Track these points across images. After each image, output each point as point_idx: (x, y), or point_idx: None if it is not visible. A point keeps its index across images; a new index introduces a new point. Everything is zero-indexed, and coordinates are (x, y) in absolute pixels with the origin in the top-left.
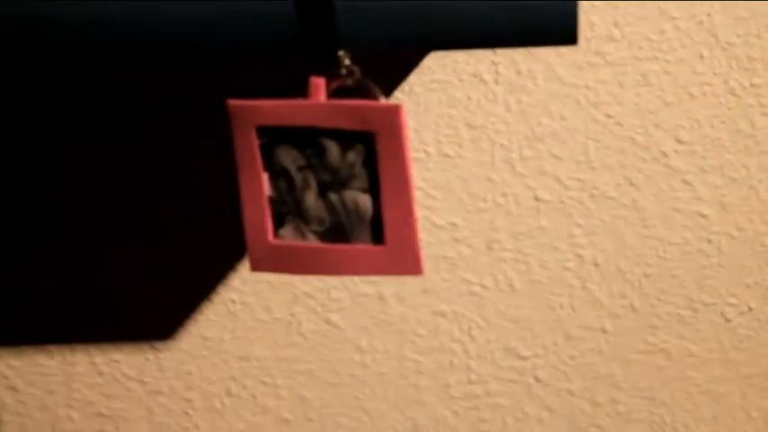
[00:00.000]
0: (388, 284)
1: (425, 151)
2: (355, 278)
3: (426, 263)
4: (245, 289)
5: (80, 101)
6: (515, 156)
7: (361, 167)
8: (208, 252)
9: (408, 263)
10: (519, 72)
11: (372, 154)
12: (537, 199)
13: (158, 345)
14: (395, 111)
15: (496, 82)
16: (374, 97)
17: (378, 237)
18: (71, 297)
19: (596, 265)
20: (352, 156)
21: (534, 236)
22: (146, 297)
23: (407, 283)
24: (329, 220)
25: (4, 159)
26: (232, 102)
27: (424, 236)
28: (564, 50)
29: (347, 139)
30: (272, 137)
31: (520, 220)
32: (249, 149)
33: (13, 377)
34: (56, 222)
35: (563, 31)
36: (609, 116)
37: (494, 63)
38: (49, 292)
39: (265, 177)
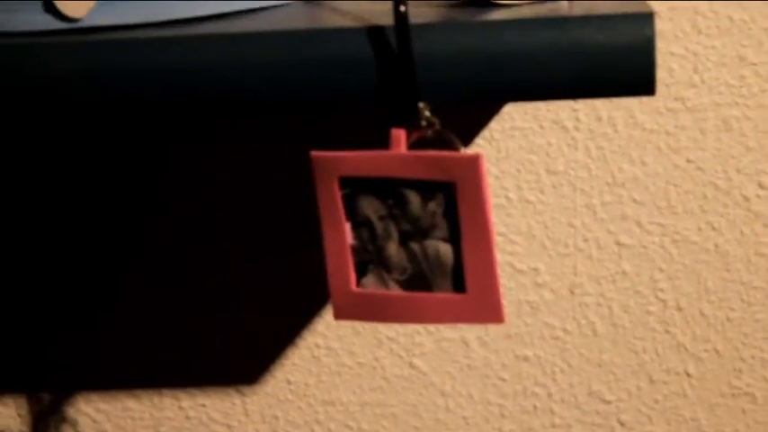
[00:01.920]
0: (471, 329)
1: (507, 197)
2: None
3: (509, 307)
4: (329, 334)
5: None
6: (596, 201)
7: (441, 217)
8: (293, 297)
9: (490, 311)
10: (599, 119)
11: (453, 203)
12: (618, 244)
13: (244, 389)
14: (475, 161)
15: (577, 128)
16: (454, 148)
17: (459, 285)
18: (158, 342)
19: (679, 309)
20: (432, 205)
21: (616, 280)
22: (231, 342)
23: (490, 327)
24: (411, 269)
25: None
26: (315, 153)
27: (506, 281)
28: (644, 97)
29: (428, 189)
30: (354, 187)
31: (601, 265)
32: (331, 199)
33: (102, 421)
34: (138, 268)
35: (641, 83)
36: (690, 161)
37: (574, 110)
38: (136, 336)
39: (348, 227)
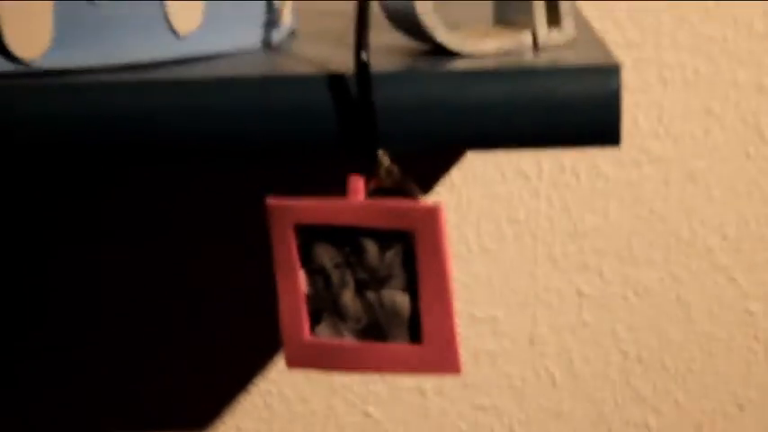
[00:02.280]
0: (428, 378)
1: (467, 245)
2: None
3: (466, 356)
4: (281, 380)
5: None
6: (558, 251)
7: (399, 266)
8: (245, 342)
9: (446, 362)
10: (562, 168)
11: (411, 253)
12: (579, 294)
13: None
14: (434, 212)
15: (539, 178)
16: (413, 197)
17: (415, 336)
18: (97, 384)
19: (640, 360)
20: (390, 255)
21: (576, 330)
22: (177, 383)
23: (448, 376)
24: (366, 319)
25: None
26: (271, 201)
27: (465, 329)
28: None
29: (386, 238)
30: (310, 235)
31: (562, 315)
32: (286, 247)
33: None
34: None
35: (606, 134)
36: (653, 212)
37: (537, 159)
38: (62, 378)
39: (302, 274)
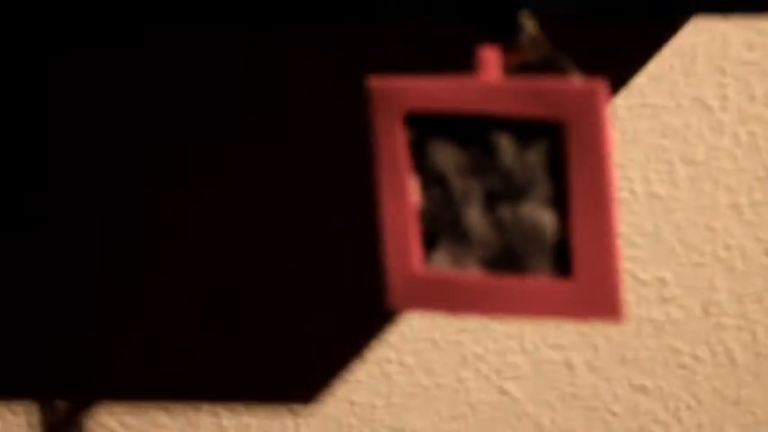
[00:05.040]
0: (577, 350)
1: (631, 190)
2: (537, 341)
3: (626, 326)
4: (403, 347)
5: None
6: (744, 200)
7: (543, 172)
8: (356, 298)
9: (603, 303)
10: (752, 97)
11: (559, 154)
12: None
13: (298, 409)
14: (592, 94)
15: (724, 108)
16: (566, 75)
17: (562, 267)
18: (194, 345)
19: None
20: (531, 156)
21: (763, 300)
22: (282, 351)
23: (601, 349)
24: (497, 244)
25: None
26: (374, 82)
27: (625, 293)
28: None
29: (527, 132)
30: (425, 129)
31: (746, 280)
32: (394, 145)
33: None
34: (167, 261)
35: None
36: None
37: (721, 85)
38: (168, 338)
39: (414, 183)
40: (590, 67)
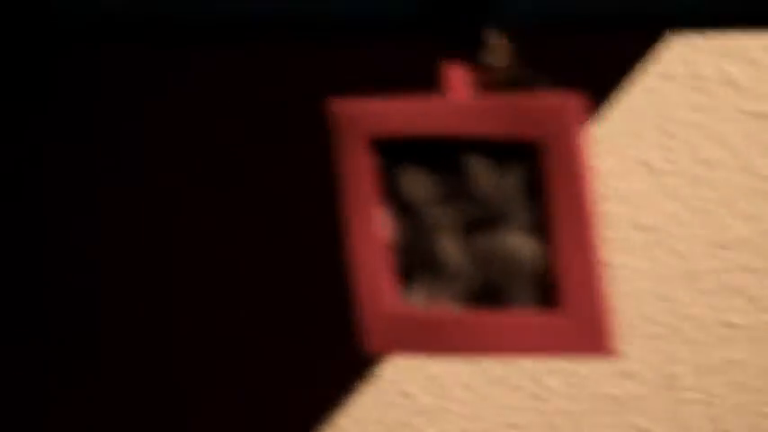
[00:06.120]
0: (536, 429)
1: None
2: (494, 417)
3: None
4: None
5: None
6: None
7: (520, 197)
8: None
9: (592, 336)
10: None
11: (537, 176)
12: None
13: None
14: (571, 111)
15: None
16: (540, 90)
17: (546, 298)
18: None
19: None
20: (508, 180)
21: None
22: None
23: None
24: (476, 276)
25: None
26: (337, 105)
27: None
28: None
29: (500, 154)
30: (393, 155)
31: (707, 352)
32: (360, 174)
33: None
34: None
35: None
36: None
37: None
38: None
39: (384, 215)
40: (563, 83)
